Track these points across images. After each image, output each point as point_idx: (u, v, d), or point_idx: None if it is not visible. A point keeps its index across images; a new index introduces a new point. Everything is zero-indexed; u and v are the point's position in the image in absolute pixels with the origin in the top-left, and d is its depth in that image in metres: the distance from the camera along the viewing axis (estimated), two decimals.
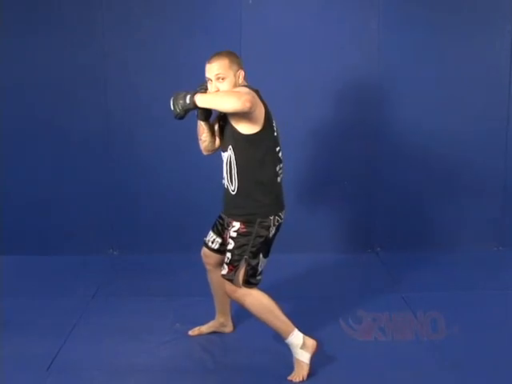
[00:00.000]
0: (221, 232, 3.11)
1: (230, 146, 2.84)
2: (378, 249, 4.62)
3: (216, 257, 3.17)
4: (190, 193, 4.49)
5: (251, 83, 2.90)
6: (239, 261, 2.87)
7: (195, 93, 2.74)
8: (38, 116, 4.43)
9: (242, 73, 2.85)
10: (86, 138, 4.46)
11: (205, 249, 3.21)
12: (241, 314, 3.50)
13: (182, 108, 2.73)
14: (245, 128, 2.79)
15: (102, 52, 4.34)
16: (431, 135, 4.45)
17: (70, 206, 4.56)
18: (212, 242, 3.15)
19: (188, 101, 2.72)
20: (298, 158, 4.26)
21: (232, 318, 3.40)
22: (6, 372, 2.97)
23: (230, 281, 2.89)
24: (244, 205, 2.88)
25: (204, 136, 2.96)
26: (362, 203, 4.58)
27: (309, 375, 2.88)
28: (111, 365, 3.07)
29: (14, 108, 4.41)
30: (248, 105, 2.63)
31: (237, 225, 2.88)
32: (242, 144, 2.82)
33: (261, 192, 2.88)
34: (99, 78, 4.37)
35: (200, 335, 3.35)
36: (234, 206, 2.91)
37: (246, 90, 2.78)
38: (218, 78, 2.78)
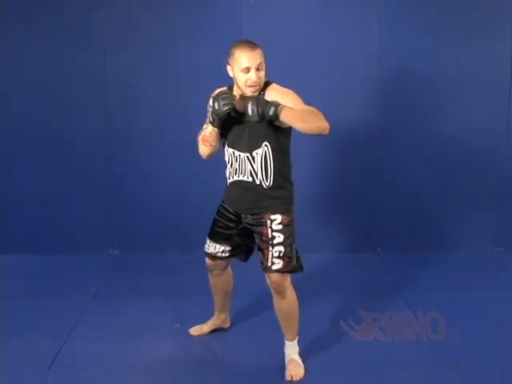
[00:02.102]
0: (229, 238, 3.05)
1: (266, 143, 2.77)
2: (379, 249, 4.63)
3: (226, 262, 3.17)
4: (190, 193, 4.49)
5: None
6: (292, 251, 2.88)
7: (276, 105, 2.59)
8: (38, 116, 4.43)
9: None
10: (86, 137, 4.47)
11: (211, 260, 3.15)
12: (239, 312, 3.55)
13: (262, 117, 2.60)
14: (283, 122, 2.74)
15: (101, 52, 4.34)
16: (432, 136, 4.45)
17: (70, 205, 4.56)
18: (222, 252, 3.09)
19: (271, 113, 2.57)
20: (297, 158, 4.25)
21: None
22: (6, 372, 2.97)
23: (288, 272, 2.88)
24: (279, 195, 2.86)
25: (216, 141, 2.89)
26: (363, 203, 4.58)
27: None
28: (111, 364, 3.07)
29: (14, 108, 4.41)
30: (328, 131, 2.63)
31: (278, 217, 2.84)
32: (280, 138, 2.81)
33: (289, 180, 2.93)
34: (99, 78, 4.37)
35: (201, 334, 3.35)
36: (267, 200, 2.85)
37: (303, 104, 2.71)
38: (259, 67, 2.69)
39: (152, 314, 3.62)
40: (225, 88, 2.83)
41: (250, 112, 2.60)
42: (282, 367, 2.98)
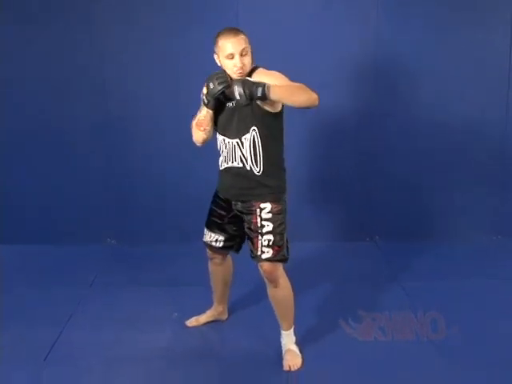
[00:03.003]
0: (223, 227, 3.06)
1: (254, 127, 2.77)
2: (377, 237, 4.61)
3: (223, 253, 3.18)
4: (188, 182, 4.47)
5: None
6: (282, 240, 2.87)
7: (263, 85, 2.59)
8: (37, 108, 4.39)
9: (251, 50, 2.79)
10: (84, 128, 4.44)
11: (209, 250, 3.17)
12: (236, 302, 3.54)
13: (251, 98, 2.61)
14: (273, 106, 2.76)
15: (100, 49, 4.31)
16: (430, 125, 4.42)
17: (68, 195, 4.54)
18: (216, 242, 3.10)
19: (259, 93, 2.58)
20: (295, 147, 4.24)
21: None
22: (3, 362, 2.98)
23: (278, 261, 2.87)
24: (270, 184, 2.85)
25: (210, 126, 2.90)
26: (361, 192, 4.56)
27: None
28: (109, 354, 3.08)
29: (13, 107, 4.39)
30: (318, 102, 2.65)
31: (267, 206, 2.84)
32: (269, 123, 2.80)
33: (281, 168, 2.92)
34: (98, 74, 4.34)
35: (197, 326, 3.35)
36: (258, 188, 2.84)
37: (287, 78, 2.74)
38: (243, 53, 2.71)
39: (149, 304, 3.62)
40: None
41: (237, 95, 2.61)
42: (279, 357, 2.99)
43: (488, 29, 4.34)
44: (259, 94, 2.59)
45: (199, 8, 4.24)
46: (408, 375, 2.86)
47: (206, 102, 2.81)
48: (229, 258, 3.24)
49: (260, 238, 2.85)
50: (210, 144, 3.02)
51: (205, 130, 2.88)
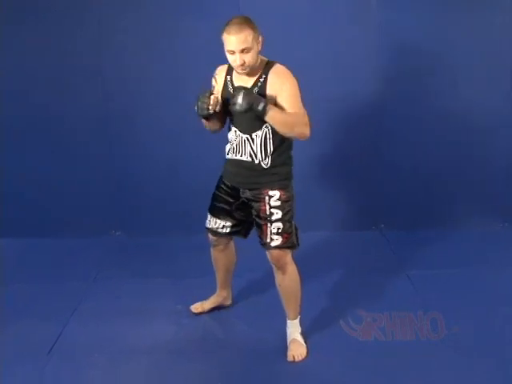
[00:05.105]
0: (231, 214, 3.06)
1: (267, 124, 2.78)
2: (382, 226, 4.58)
3: (227, 238, 3.18)
4: (192, 174, 4.44)
5: None
6: (291, 227, 2.90)
7: (265, 104, 2.65)
8: (36, 98, 4.35)
9: (261, 39, 2.77)
10: (86, 120, 4.40)
11: (213, 236, 3.16)
12: (241, 290, 3.55)
13: (249, 108, 2.65)
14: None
15: (97, 34, 4.26)
16: (434, 112, 4.37)
17: (71, 187, 4.52)
18: (223, 228, 3.10)
19: (260, 108, 2.64)
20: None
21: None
22: (6, 356, 2.97)
23: (288, 248, 2.89)
24: (278, 171, 2.88)
25: (213, 125, 2.94)
26: (366, 180, 4.52)
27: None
28: (113, 347, 3.07)
29: (11, 95, 4.35)
30: (306, 138, 2.76)
31: (276, 193, 2.86)
32: None
33: (289, 158, 2.94)
34: (95, 62, 4.29)
35: (202, 313, 3.36)
36: (265, 177, 2.87)
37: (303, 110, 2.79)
38: (244, 51, 2.69)
39: (153, 297, 3.60)
40: (225, 65, 2.89)
41: (237, 106, 2.65)
42: (284, 347, 2.99)
43: (492, 5, 4.29)
44: (259, 109, 2.64)
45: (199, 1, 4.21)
46: (408, 375, 2.83)
47: (199, 115, 2.84)
48: (232, 244, 3.24)
49: (269, 225, 2.86)
50: (217, 135, 3.03)
51: (210, 128, 2.98)
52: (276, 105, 2.73)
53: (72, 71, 4.32)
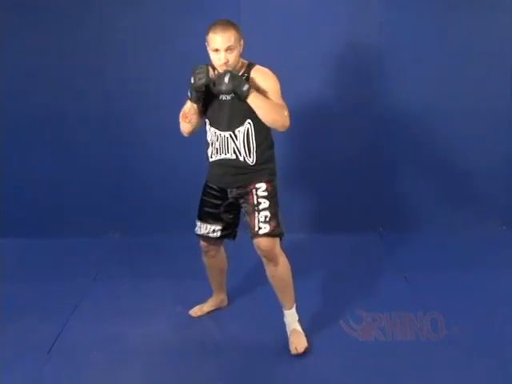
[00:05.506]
0: (219, 217, 3.09)
1: (249, 120, 2.86)
2: (380, 228, 4.58)
3: (219, 242, 3.21)
4: (192, 174, 4.41)
5: (249, 58, 2.93)
6: (277, 216, 2.93)
7: (249, 86, 2.73)
8: (36, 98, 4.37)
9: (243, 43, 2.86)
10: (85, 119, 4.42)
11: (204, 242, 3.19)
12: (235, 291, 3.56)
13: (232, 90, 2.72)
14: None
15: (98, 33, 4.28)
16: (434, 112, 4.38)
17: (71, 187, 4.53)
18: (213, 232, 3.12)
19: (245, 89, 2.71)
20: (298, 136, 4.21)
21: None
22: (6, 355, 2.97)
23: (276, 236, 2.92)
24: (264, 168, 2.95)
25: (195, 118, 2.95)
26: (364, 182, 4.52)
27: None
28: (112, 347, 3.07)
29: (12, 93, 4.36)
30: (284, 130, 2.83)
31: (263, 185, 2.93)
32: None
33: (272, 153, 3.01)
34: (95, 62, 4.31)
35: (201, 315, 3.37)
36: (251, 173, 2.94)
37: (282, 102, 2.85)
38: (228, 49, 2.77)
39: (153, 297, 3.60)
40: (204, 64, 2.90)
41: (223, 86, 2.70)
42: (283, 347, 2.98)
43: (493, 6, 4.31)
44: (244, 89, 2.70)
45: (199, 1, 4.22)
46: (408, 375, 2.82)
47: (189, 95, 2.88)
48: (222, 248, 3.27)
49: (257, 214, 2.91)
50: None
51: (190, 121, 2.96)
52: None
53: (72, 71, 4.33)
